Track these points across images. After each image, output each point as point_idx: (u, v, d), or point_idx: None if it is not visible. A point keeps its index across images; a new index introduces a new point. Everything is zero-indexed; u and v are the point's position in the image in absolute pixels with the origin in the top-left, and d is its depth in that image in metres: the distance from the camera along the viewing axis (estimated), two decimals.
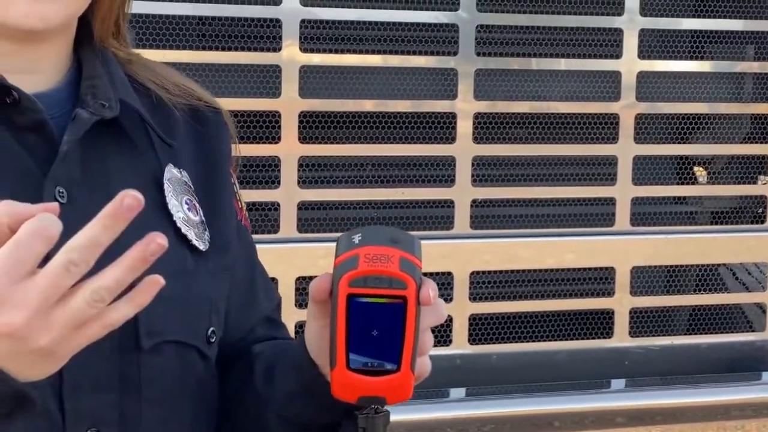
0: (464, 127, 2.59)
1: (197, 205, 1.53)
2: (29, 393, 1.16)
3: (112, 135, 1.43)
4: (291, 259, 2.45)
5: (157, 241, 1.08)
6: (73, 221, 1.27)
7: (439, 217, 2.62)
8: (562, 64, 2.73)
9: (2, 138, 1.36)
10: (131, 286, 1.12)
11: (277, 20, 2.52)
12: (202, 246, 1.49)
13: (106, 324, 1.12)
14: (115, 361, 1.37)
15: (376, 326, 1.29)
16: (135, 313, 1.13)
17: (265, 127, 2.54)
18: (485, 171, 2.65)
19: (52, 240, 1.08)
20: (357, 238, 1.33)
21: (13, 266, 1.09)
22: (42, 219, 1.09)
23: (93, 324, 1.12)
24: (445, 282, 2.61)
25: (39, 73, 1.42)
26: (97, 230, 1.10)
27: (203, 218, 1.52)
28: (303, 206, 2.54)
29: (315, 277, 1.33)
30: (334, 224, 2.55)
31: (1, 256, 1.08)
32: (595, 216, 2.72)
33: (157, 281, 1.12)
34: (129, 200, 1.08)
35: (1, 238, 1.10)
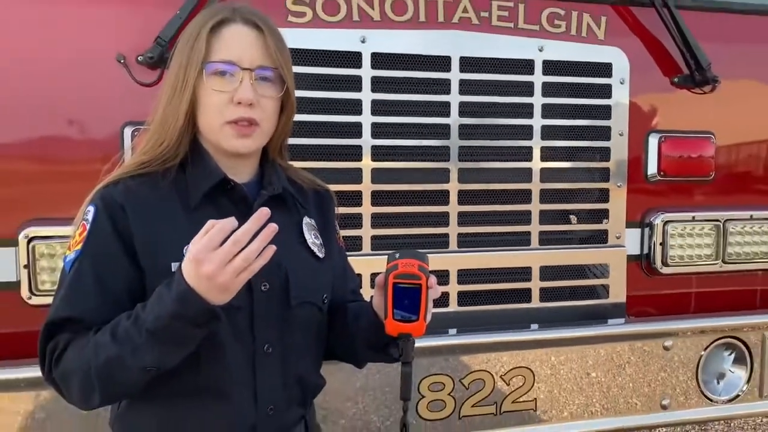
0: (453, 197, 2.57)
1: (319, 235, 1.57)
2: (216, 310, 1.24)
3: (278, 203, 1.48)
4: (368, 263, 2.39)
5: (272, 227, 1.23)
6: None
7: (441, 241, 2.58)
8: (506, 164, 2.64)
9: (226, 204, 1.45)
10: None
11: (359, 146, 2.44)
12: (321, 255, 1.54)
13: (251, 270, 1.23)
14: (278, 311, 1.45)
15: (407, 298, 1.38)
16: (262, 265, 1.24)
17: (354, 198, 2.45)
18: (465, 218, 2.60)
19: (227, 232, 1.21)
20: (397, 255, 1.43)
21: (208, 243, 1.20)
22: (224, 221, 1.21)
23: (245, 271, 1.22)
24: (444, 275, 2.56)
25: (242, 174, 1.49)
26: (250, 225, 1.22)
27: (322, 242, 1.57)
28: (374, 237, 2.50)
29: (379, 272, 1.44)
30: (389, 245, 2.41)
31: (205, 239, 1.21)
32: (521, 240, 2.68)
33: (272, 249, 1.24)
34: (265, 211, 1.23)
35: (203, 234, 1.22)
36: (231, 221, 1.22)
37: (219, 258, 1.20)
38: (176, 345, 1.28)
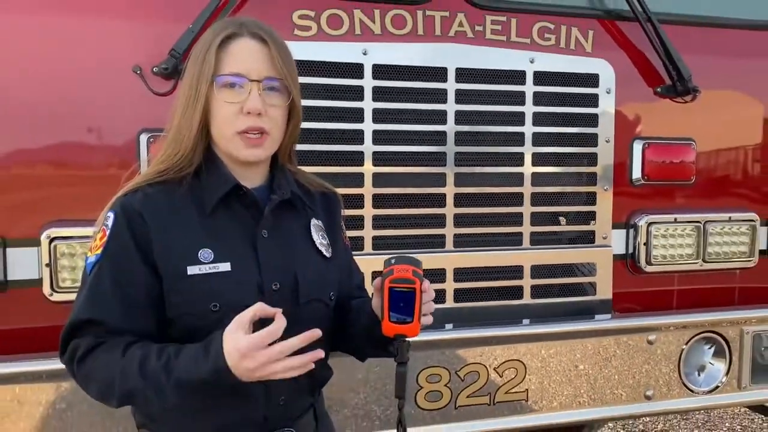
0: (449, 200, 2.56)
1: (326, 236, 1.57)
2: (244, 384, 1.28)
3: (287, 207, 1.50)
4: (369, 262, 2.30)
5: (318, 353, 1.30)
6: (271, 248, 1.38)
7: (438, 242, 2.57)
8: (499, 169, 2.62)
9: (239, 209, 1.45)
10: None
11: (361, 152, 2.44)
12: (328, 255, 1.54)
13: (287, 375, 1.29)
14: (288, 309, 1.38)
15: (402, 301, 1.38)
16: (297, 375, 1.29)
17: (356, 200, 2.44)
18: (461, 220, 2.58)
19: (277, 336, 1.25)
20: (393, 260, 1.43)
21: (259, 344, 1.24)
22: (276, 325, 1.26)
23: (280, 372, 1.27)
24: (441, 273, 2.53)
25: (254, 180, 1.49)
26: (296, 342, 1.27)
27: (329, 242, 1.56)
28: (374, 237, 2.49)
29: (380, 271, 1.44)
30: (389, 246, 2.47)
31: (256, 337, 1.24)
32: (513, 240, 2.67)
33: (311, 366, 1.30)
34: (317, 333, 1.31)
35: (249, 319, 1.26)
36: (281, 324, 1.27)
37: (263, 359, 1.25)
38: (198, 396, 1.32)
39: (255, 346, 1.23)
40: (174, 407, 1.33)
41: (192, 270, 1.36)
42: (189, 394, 1.30)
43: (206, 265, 1.36)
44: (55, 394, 2.09)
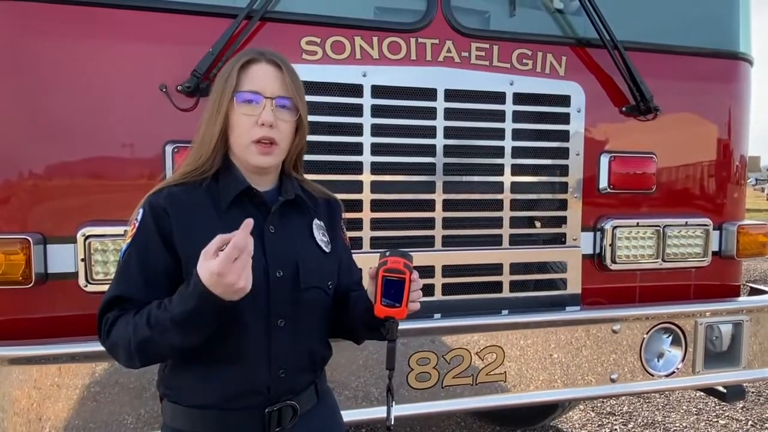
0: (438, 205, 2.57)
1: (327, 234, 1.58)
2: (228, 306, 1.27)
3: (293, 208, 1.52)
4: (367, 260, 2.25)
5: (249, 222, 1.25)
6: (277, 241, 1.40)
7: (428, 242, 2.58)
8: (482, 178, 2.62)
9: (250, 208, 1.47)
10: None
11: (361, 162, 2.46)
12: (327, 250, 1.56)
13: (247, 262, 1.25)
14: (290, 293, 1.46)
15: (393, 288, 1.40)
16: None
17: (356, 205, 2.44)
18: (448, 223, 2.58)
19: (239, 248, 1.22)
20: (387, 253, 1.45)
21: (228, 259, 1.22)
22: (237, 237, 1.22)
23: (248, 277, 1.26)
24: (430, 269, 2.54)
25: (265, 185, 1.52)
26: (243, 234, 1.23)
27: (329, 240, 1.58)
28: (372, 238, 2.49)
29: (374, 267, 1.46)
30: (385, 246, 2.42)
31: (224, 255, 1.22)
32: (494, 241, 2.68)
33: (249, 222, 1.25)
34: (250, 222, 1.25)
35: (214, 251, 1.23)
36: (242, 236, 1.25)
37: (238, 269, 1.24)
38: (195, 330, 1.33)
39: (224, 262, 1.22)
40: (181, 346, 1.34)
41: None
42: (186, 329, 1.31)
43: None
44: (89, 378, 2.10)
